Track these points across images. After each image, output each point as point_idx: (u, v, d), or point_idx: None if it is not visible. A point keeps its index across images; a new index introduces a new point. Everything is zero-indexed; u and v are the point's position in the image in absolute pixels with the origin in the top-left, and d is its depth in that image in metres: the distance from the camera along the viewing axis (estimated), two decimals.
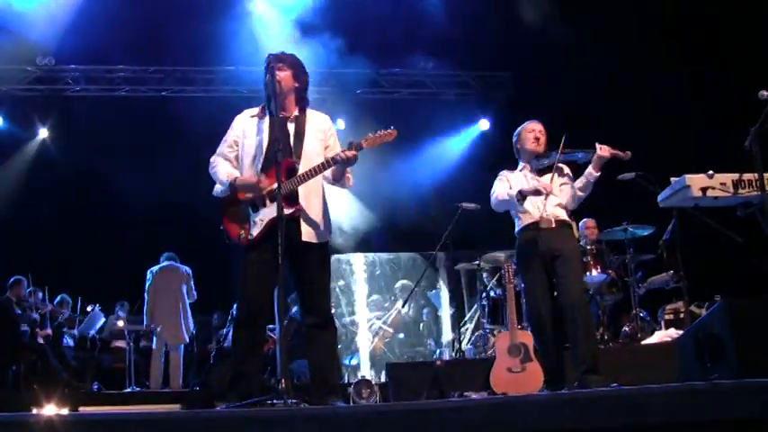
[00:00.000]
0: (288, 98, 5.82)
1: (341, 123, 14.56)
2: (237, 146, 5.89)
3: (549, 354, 7.17)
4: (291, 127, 5.73)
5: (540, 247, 7.03)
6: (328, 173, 5.79)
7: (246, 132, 5.86)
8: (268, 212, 5.62)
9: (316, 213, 5.76)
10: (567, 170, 7.28)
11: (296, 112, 5.81)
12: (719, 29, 11.54)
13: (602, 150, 6.90)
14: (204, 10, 12.38)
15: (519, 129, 7.55)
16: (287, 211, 5.43)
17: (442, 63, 15.13)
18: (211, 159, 5.95)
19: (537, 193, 6.93)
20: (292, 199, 5.56)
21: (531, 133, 7.38)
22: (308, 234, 5.67)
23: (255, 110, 5.96)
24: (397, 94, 15.44)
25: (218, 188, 5.87)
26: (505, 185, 7.30)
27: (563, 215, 7.11)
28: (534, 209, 7.09)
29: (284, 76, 5.79)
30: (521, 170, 7.42)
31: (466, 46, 14.10)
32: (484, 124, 15.92)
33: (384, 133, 5.82)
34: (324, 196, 5.91)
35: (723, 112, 10.61)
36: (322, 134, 5.90)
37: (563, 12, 12.52)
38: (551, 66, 13.13)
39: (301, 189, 5.65)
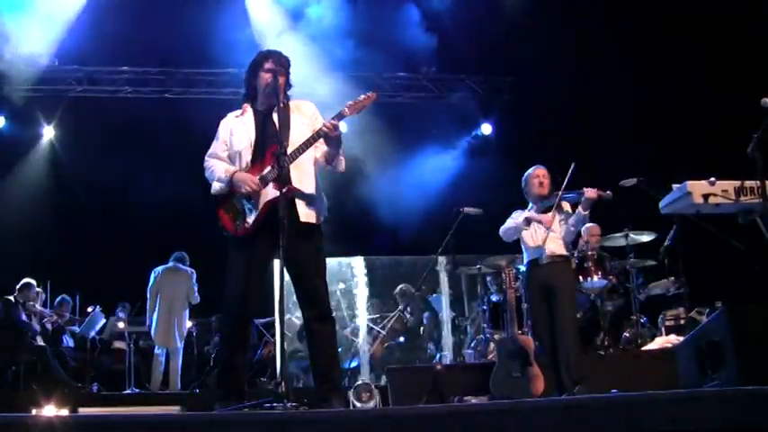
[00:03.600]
0: (280, 95, 5.83)
1: (343, 126, 14.52)
2: (227, 145, 5.91)
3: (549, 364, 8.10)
4: (275, 117, 5.69)
5: (539, 280, 8.10)
6: (321, 157, 5.81)
7: (233, 131, 5.90)
8: (261, 198, 5.64)
9: (310, 193, 5.76)
10: (566, 207, 8.22)
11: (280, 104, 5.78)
12: (723, 34, 11.52)
13: (589, 193, 7.86)
14: (207, 12, 12.40)
15: (525, 175, 8.38)
16: (277, 192, 5.42)
17: (445, 67, 15.15)
18: (205, 162, 5.97)
19: (540, 222, 8.06)
20: (284, 180, 5.50)
21: (536, 179, 8.26)
22: (305, 215, 5.66)
23: (238, 111, 6.01)
24: (400, 98, 15.43)
25: (216, 186, 5.84)
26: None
27: (560, 250, 8.09)
28: (533, 242, 8.10)
29: (282, 77, 5.85)
30: (529, 210, 8.32)
31: (469, 50, 14.12)
32: (486, 128, 15.92)
33: (364, 97, 5.82)
34: (317, 179, 5.88)
35: (726, 119, 10.60)
36: (307, 119, 5.90)
37: (565, 17, 12.54)
38: (553, 70, 13.13)
39: (294, 172, 5.65)
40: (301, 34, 13.09)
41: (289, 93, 5.93)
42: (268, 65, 5.88)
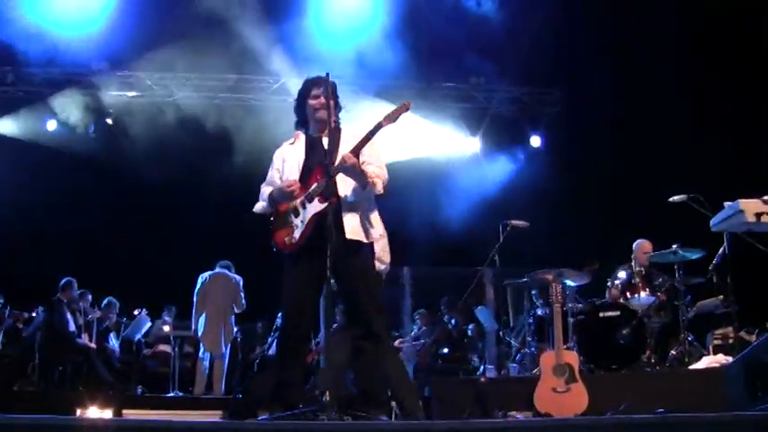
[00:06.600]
0: (331, 117, 5.87)
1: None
2: (280, 172, 6.04)
3: None
4: (325, 141, 5.78)
5: None
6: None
7: (285, 157, 6.04)
8: (307, 212, 5.69)
9: (356, 207, 5.79)
10: None
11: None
12: None
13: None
14: (256, 21, 12.47)
15: None
16: (323, 205, 5.56)
17: (494, 78, 15.11)
18: (261, 188, 6.10)
19: None
20: (329, 194, 5.59)
21: None
22: (352, 231, 5.69)
23: (291, 139, 6.13)
24: (449, 109, 15.41)
25: (258, 205, 6.05)
26: None
27: None
28: None
29: (331, 101, 5.87)
30: None
31: (518, 61, 14.07)
32: (535, 140, 15.85)
33: (399, 107, 5.83)
34: (366, 197, 5.89)
35: None
36: (355, 139, 5.84)
37: (617, 28, 12.44)
38: (603, 83, 13.03)
39: (341, 185, 5.70)
40: (349, 42, 13.09)
41: (340, 115, 6.03)
42: (315, 91, 5.97)
